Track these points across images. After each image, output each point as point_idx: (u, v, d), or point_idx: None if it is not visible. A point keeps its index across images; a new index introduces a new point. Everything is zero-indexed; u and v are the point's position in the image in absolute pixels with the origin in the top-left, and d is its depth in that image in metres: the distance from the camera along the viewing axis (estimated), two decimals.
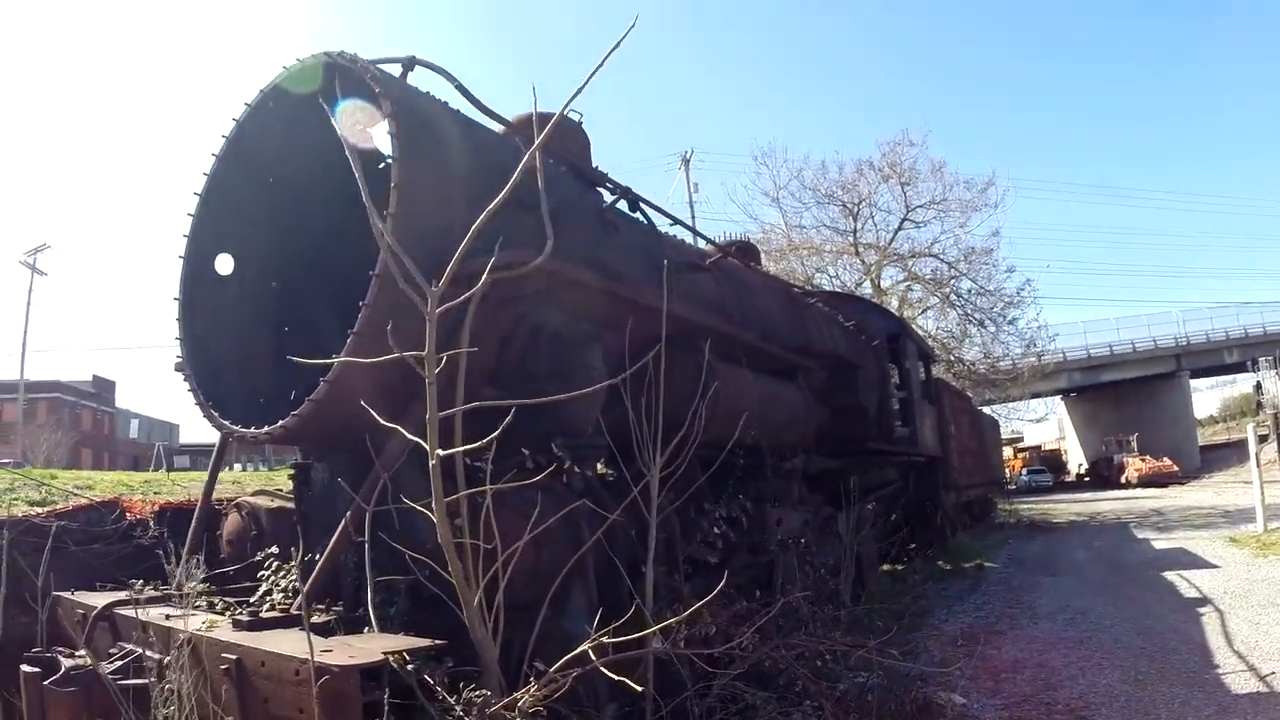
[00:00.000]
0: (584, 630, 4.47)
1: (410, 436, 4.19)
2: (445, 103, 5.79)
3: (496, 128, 6.45)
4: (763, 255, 31.89)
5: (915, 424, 14.31)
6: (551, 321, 5.82)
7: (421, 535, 4.54)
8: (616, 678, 4.15)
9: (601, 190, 7.29)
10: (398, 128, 4.84)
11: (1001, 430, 56.91)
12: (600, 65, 4.19)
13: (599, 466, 6.75)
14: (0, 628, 5.71)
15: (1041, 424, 69.81)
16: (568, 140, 7.58)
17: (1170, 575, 13.38)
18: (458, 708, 3.86)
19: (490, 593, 4.20)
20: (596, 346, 5.79)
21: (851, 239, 33.38)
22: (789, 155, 42.18)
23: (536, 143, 4.57)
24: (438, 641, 4.11)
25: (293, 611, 4.74)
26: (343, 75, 5.16)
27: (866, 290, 32.36)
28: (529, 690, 4.07)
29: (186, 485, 13.63)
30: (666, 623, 4.74)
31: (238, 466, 33.77)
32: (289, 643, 3.88)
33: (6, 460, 35.81)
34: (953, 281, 32.76)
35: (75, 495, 9.30)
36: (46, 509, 8.42)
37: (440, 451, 4.11)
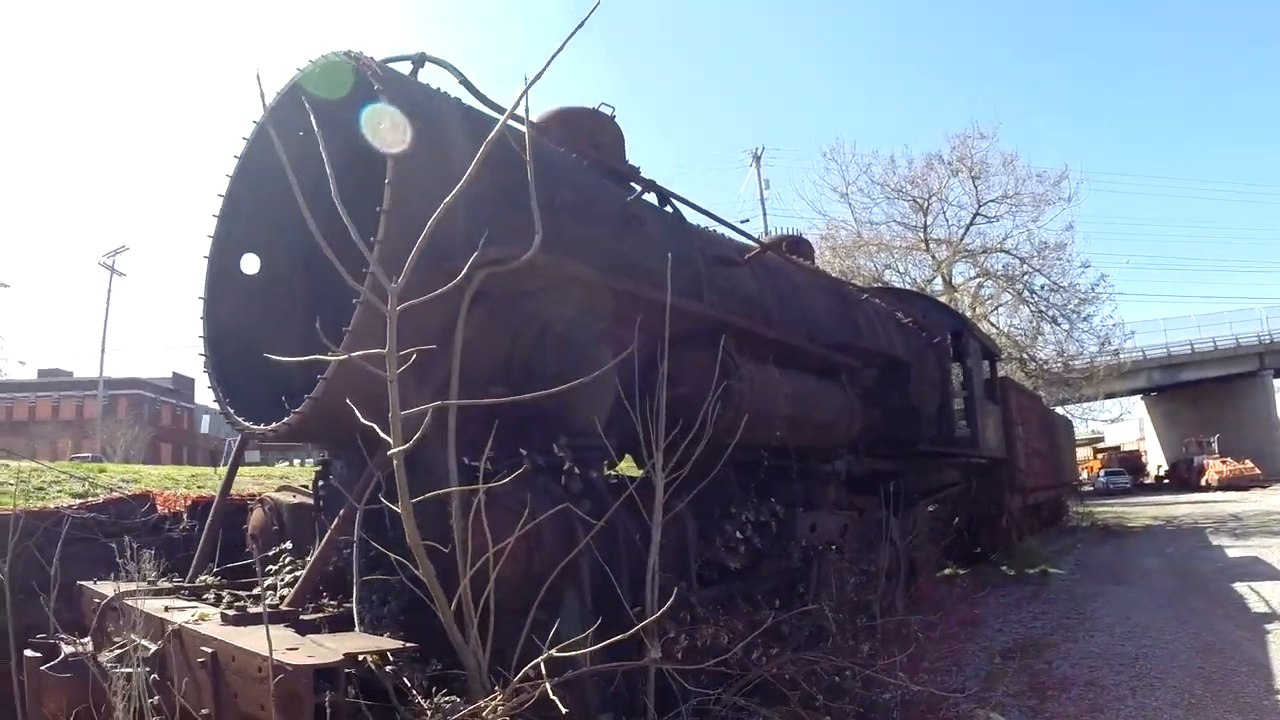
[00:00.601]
0: (577, 635, 4.33)
1: (384, 438, 4.06)
2: (459, 100, 5.67)
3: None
4: (830, 252, 32.04)
5: (977, 424, 13.91)
6: (562, 319, 5.70)
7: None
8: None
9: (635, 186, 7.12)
10: (391, 125, 4.80)
11: (1079, 430, 55.82)
12: (567, 40, 4.09)
13: (617, 468, 6.66)
14: (10, 617, 5.74)
15: (1122, 424, 68.30)
16: (598, 134, 7.51)
17: (1241, 586, 12.84)
18: (428, 713, 3.81)
19: (480, 594, 4.12)
20: (606, 345, 5.58)
21: (921, 234, 32.75)
22: (858, 151, 41.50)
23: (501, 123, 4.42)
24: (408, 644, 4.06)
25: (283, 608, 4.71)
26: (347, 73, 5.17)
27: (937, 286, 31.78)
28: (495, 699, 3.96)
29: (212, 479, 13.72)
30: (642, 622, 4.57)
31: (296, 461, 34.19)
32: (262, 639, 3.77)
33: (86, 455, 36.88)
34: (1025, 278, 31.98)
35: (114, 489, 9.37)
36: (79, 501, 8.50)
37: (398, 449, 4.00)
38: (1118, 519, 31.63)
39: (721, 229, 8.54)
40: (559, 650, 4.06)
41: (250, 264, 6.28)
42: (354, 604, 4.77)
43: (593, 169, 6.88)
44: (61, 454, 43.94)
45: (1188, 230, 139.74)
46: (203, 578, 6.07)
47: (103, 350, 53.83)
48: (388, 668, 3.96)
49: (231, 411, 5.65)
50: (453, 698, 4.00)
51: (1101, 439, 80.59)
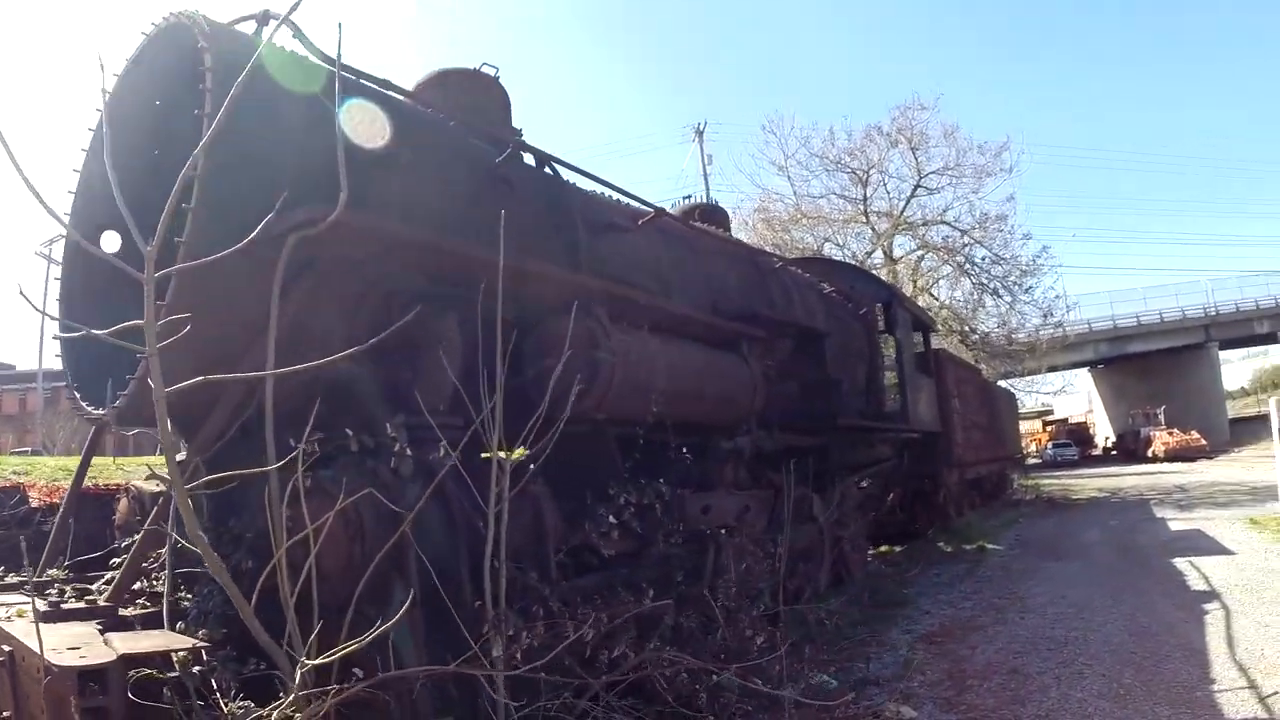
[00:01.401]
0: (404, 634, 4.09)
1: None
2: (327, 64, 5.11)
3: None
4: (764, 224, 31.55)
5: (907, 397, 13.37)
6: (407, 289, 5.14)
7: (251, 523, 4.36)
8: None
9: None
10: (213, 83, 4.42)
11: (1028, 404, 55.85)
12: None
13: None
14: None
15: (1070, 397, 68.59)
16: (479, 96, 6.98)
17: (1181, 562, 12.32)
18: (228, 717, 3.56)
19: (305, 588, 3.78)
20: (452, 315, 5.03)
21: (861, 207, 32.26)
22: (798, 123, 41.05)
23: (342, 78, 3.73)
24: (200, 644, 3.73)
25: (101, 603, 4.47)
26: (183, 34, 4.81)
27: (878, 259, 31.39)
28: (280, 706, 3.61)
29: (131, 471, 12.87)
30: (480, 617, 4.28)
31: None
32: (60, 637, 3.65)
33: (25, 449, 35.91)
34: (966, 249, 31.64)
35: None
36: None
37: (164, 431, 3.63)
38: (1063, 491, 31.46)
39: (625, 199, 7.87)
40: (382, 649, 3.86)
41: (110, 242, 5.71)
42: (164, 599, 4.45)
43: (460, 130, 6.30)
44: (2, 449, 42.73)
45: (1134, 203, 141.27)
46: (51, 572, 5.58)
47: (41, 342, 51.98)
48: (195, 668, 3.61)
49: (77, 396, 5.33)
50: (247, 702, 3.69)
51: (1050, 412, 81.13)
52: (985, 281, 31.89)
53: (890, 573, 13.19)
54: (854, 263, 29.88)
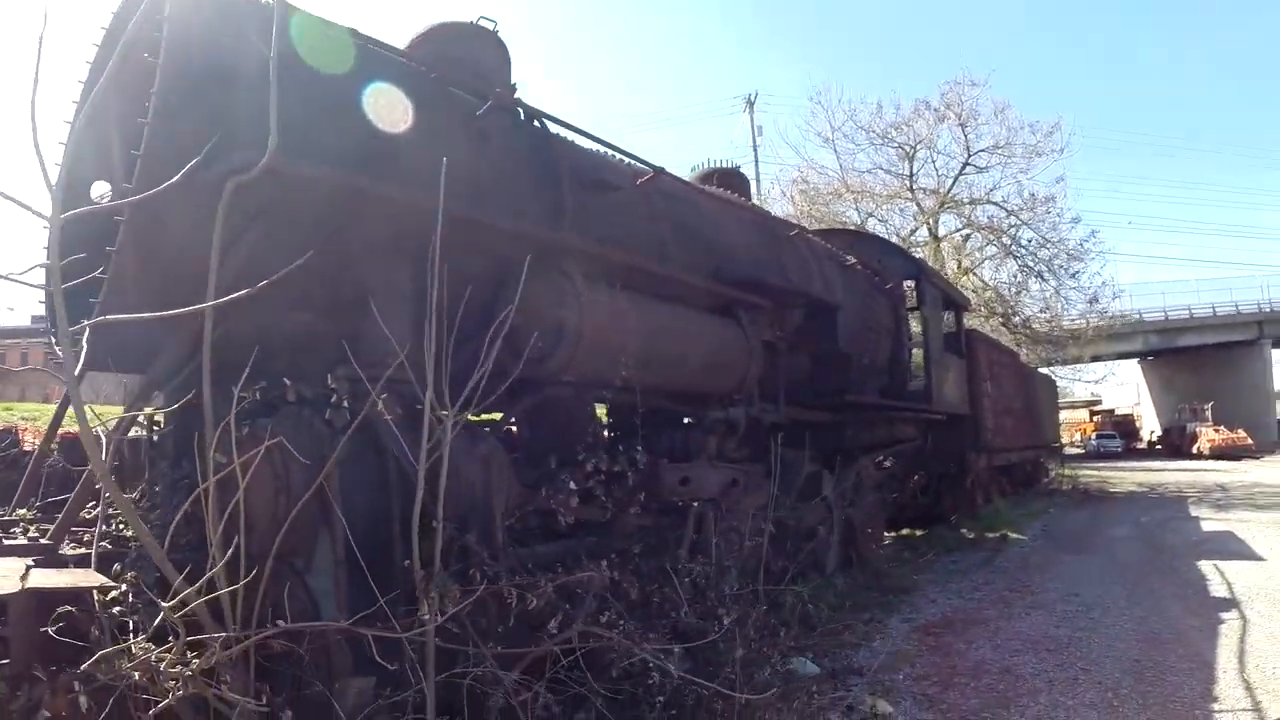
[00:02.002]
0: (327, 589, 4.15)
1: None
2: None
3: None
4: (801, 196, 30.90)
5: (932, 377, 12.87)
6: (362, 239, 4.93)
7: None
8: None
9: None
10: (169, 32, 4.24)
11: (1077, 392, 54.48)
12: None
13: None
14: None
15: (1122, 388, 67.31)
16: (477, 50, 6.60)
17: (1207, 565, 11.77)
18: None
19: (233, 538, 3.65)
20: (404, 265, 4.84)
21: (907, 182, 31.49)
22: (845, 96, 40.24)
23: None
24: (107, 582, 3.72)
25: (43, 541, 4.36)
26: None
27: (922, 236, 30.67)
28: (170, 648, 3.50)
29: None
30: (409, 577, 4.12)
31: None
32: None
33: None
34: (1012, 230, 30.79)
35: None
36: None
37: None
38: (1101, 483, 30.75)
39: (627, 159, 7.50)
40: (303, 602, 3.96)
41: (99, 191, 5.56)
42: (95, 541, 4.28)
43: (436, 81, 5.94)
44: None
45: (1192, 193, 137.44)
46: (20, 511, 5.37)
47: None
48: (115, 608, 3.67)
49: (52, 343, 5.12)
50: (146, 644, 3.58)
51: (1099, 401, 79.80)
52: (1031, 264, 31.12)
53: (907, 557, 12.80)
54: (896, 240, 29.33)
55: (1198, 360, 63.96)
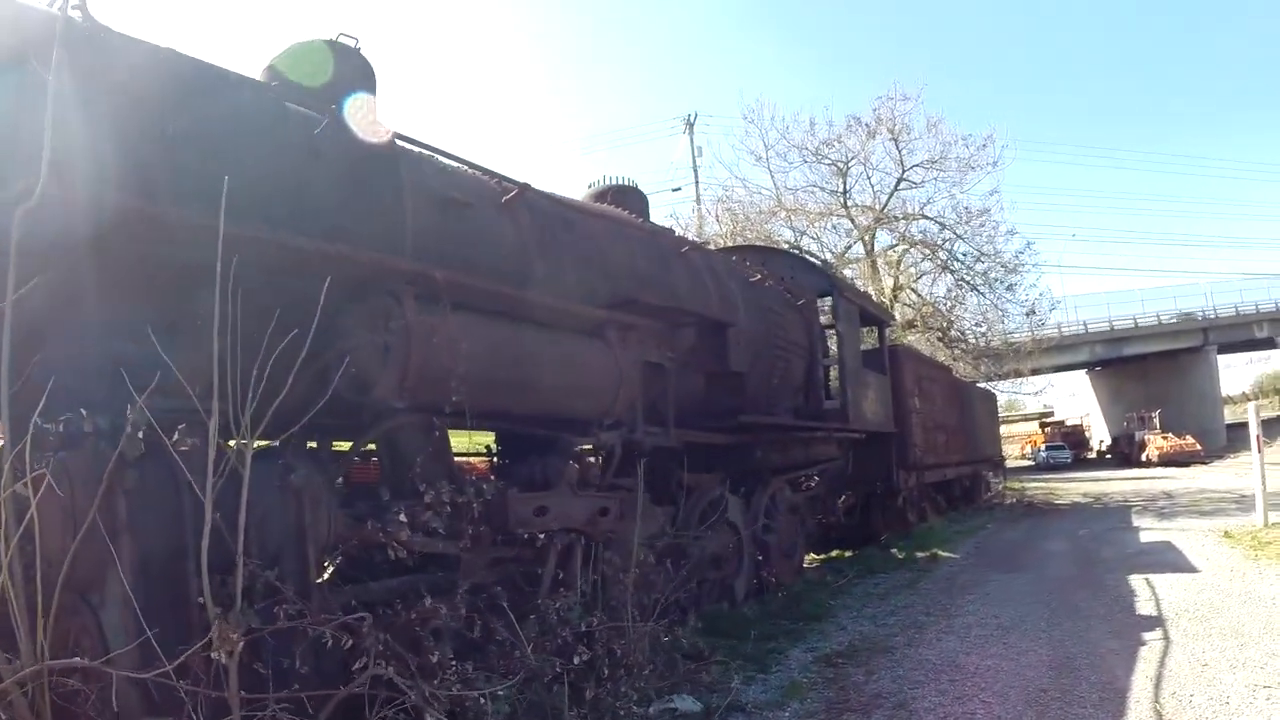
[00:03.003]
0: (118, 626, 3.96)
1: None
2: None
3: None
4: (729, 215, 30.62)
5: (847, 395, 12.44)
6: (161, 264, 4.67)
7: None
8: None
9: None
10: None
11: (1032, 406, 54.21)
12: None
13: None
14: None
15: (1076, 399, 67.39)
16: (341, 66, 6.28)
17: (1139, 580, 11.34)
18: None
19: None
20: (211, 293, 4.33)
21: (841, 199, 31.26)
22: (778, 114, 40.14)
23: None
24: None
25: None
26: None
27: (858, 253, 30.46)
28: None
29: None
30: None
31: None
32: None
33: None
34: (947, 244, 30.64)
35: None
36: None
37: None
38: (1048, 495, 30.62)
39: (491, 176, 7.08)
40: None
41: None
42: None
43: (268, 99, 5.61)
44: None
45: (1133, 203, 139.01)
46: None
47: None
48: None
49: None
50: None
51: (1051, 413, 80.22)
52: (968, 279, 30.97)
53: (830, 581, 12.32)
54: (830, 258, 29.09)
55: (1145, 369, 64.38)
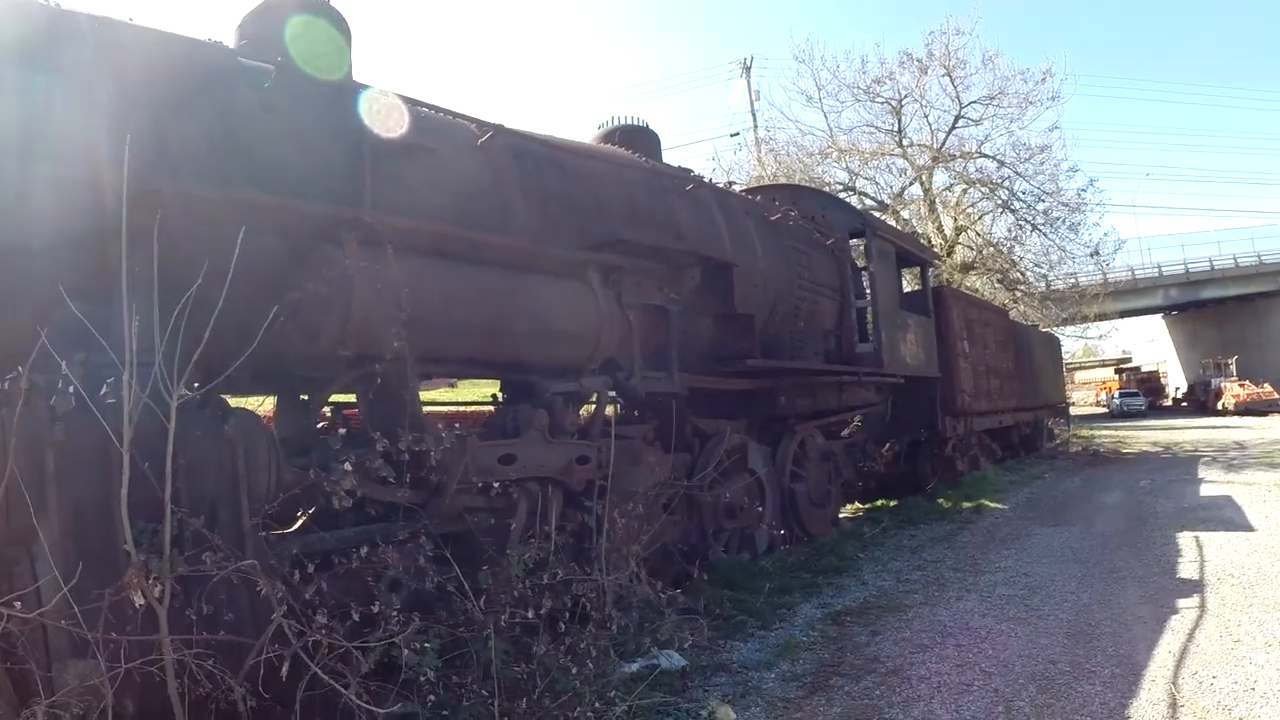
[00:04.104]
0: (47, 573, 3.96)
1: None
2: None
3: None
4: (772, 158, 29.84)
5: (881, 337, 11.88)
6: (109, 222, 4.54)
7: None
8: None
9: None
10: None
11: (1109, 351, 52.13)
12: None
13: None
14: None
15: (1152, 344, 65.52)
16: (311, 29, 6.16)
17: (1188, 538, 10.66)
18: None
19: None
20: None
21: (896, 138, 30.26)
22: (829, 52, 39.10)
23: None
24: None
25: None
26: None
27: (915, 194, 29.52)
28: None
29: None
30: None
31: None
32: None
33: None
34: (1006, 183, 29.49)
35: None
36: None
37: None
38: (1117, 444, 29.61)
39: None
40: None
41: None
42: None
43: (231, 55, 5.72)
44: None
45: (1207, 141, 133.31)
46: None
47: None
48: None
49: None
50: None
51: (1128, 360, 78.28)
52: (1028, 218, 29.84)
53: (865, 532, 11.84)
54: (883, 199, 28.25)
55: (1221, 314, 62.10)
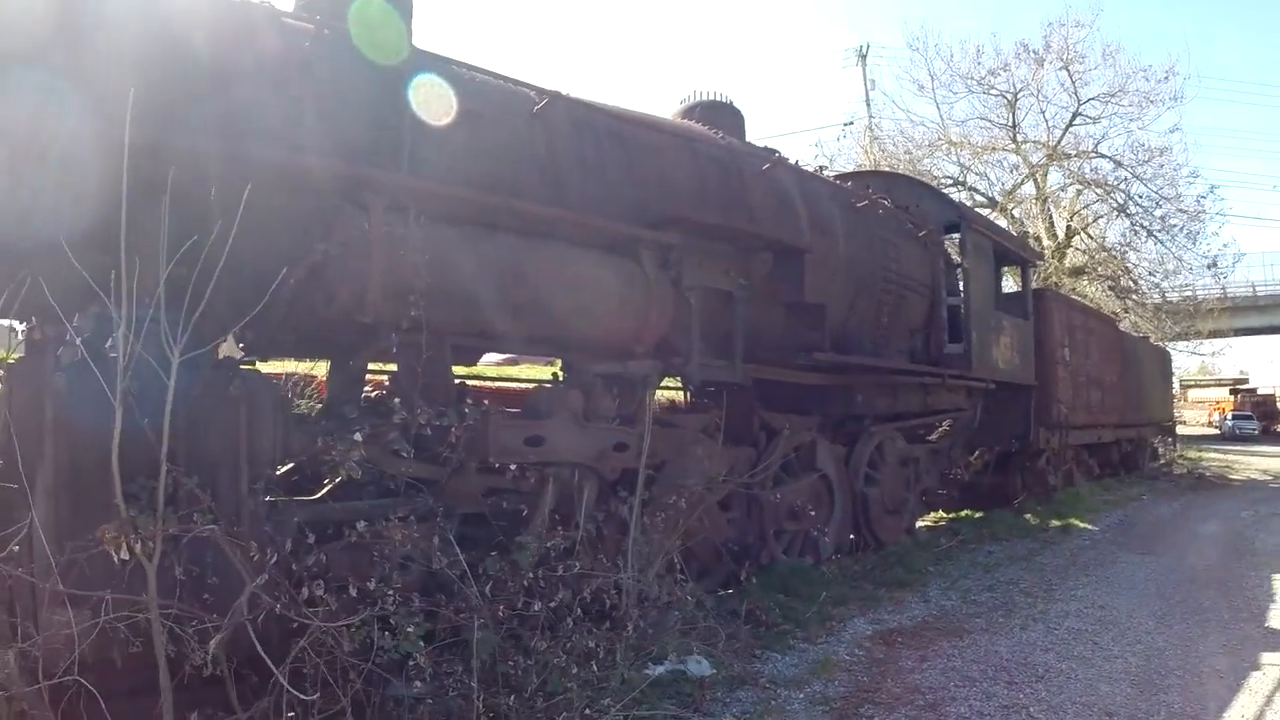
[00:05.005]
0: (43, 522, 3.97)
1: None
2: None
3: None
4: (877, 146, 28.92)
5: (972, 339, 11.25)
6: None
7: None
8: None
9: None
10: None
11: (1226, 370, 49.47)
12: None
13: None
14: None
15: (1273, 365, 62.77)
16: None
17: None
18: None
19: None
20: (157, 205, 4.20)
21: (1009, 132, 29.11)
22: (945, 41, 37.95)
23: None
24: None
25: None
26: None
27: (1028, 191, 28.44)
28: None
29: None
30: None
31: None
32: None
33: None
34: (1123, 185, 28.20)
35: None
36: None
37: None
38: (1224, 468, 28.25)
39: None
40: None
41: None
42: None
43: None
44: None
45: None
46: None
47: None
48: None
49: None
50: None
51: (1246, 380, 75.22)
52: (1144, 223, 28.53)
53: (942, 543, 11.32)
54: (994, 195, 27.27)
55: None
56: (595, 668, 4.95)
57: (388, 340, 5.18)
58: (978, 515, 14.18)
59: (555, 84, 6.61)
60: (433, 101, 5.72)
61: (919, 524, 12.39)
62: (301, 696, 3.91)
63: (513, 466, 5.50)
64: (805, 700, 5.48)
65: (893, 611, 7.85)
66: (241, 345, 5.72)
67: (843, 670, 6.11)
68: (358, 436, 4.81)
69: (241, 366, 5.16)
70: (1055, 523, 13.86)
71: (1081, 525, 13.93)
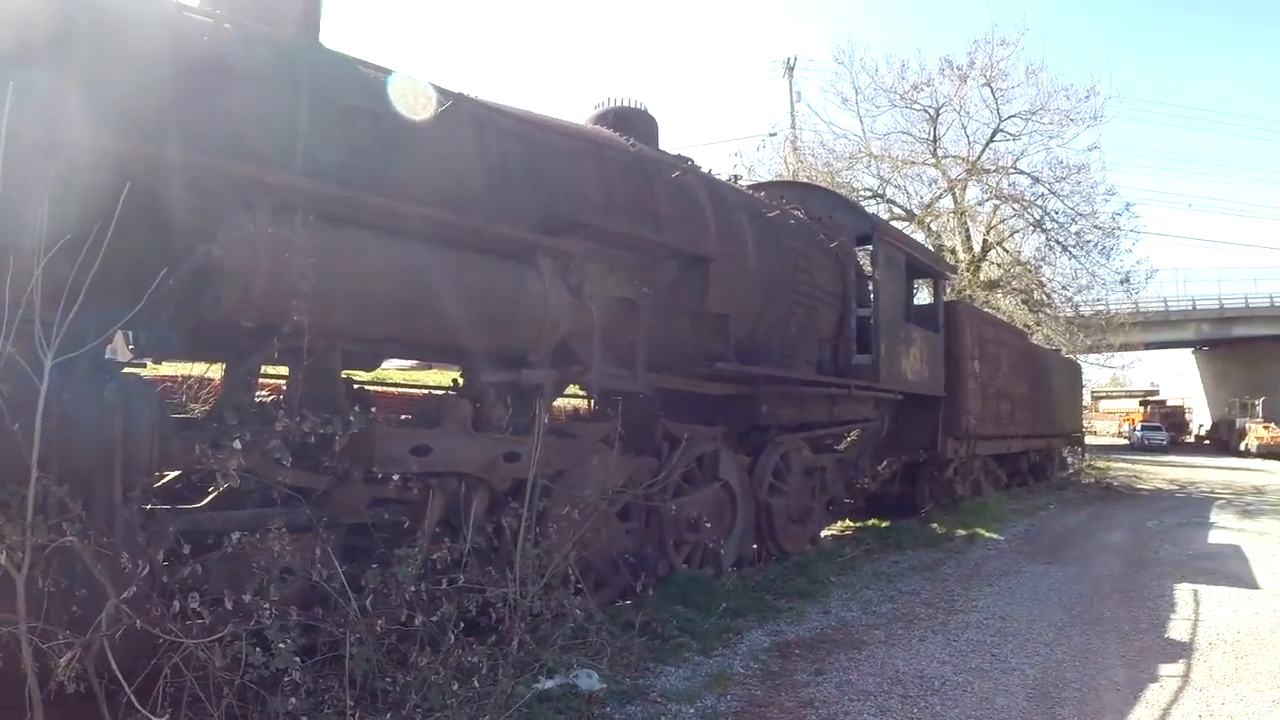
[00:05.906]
0: None
1: None
2: None
3: None
4: (793, 155, 29.15)
5: (881, 350, 11.28)
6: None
7: None
8: None
9: None
10: None
11: (1138, 383, 50.33)
12: None
13: None
14: None
15: (1181, 378, 64.47)
16: None
17: (1185, 591, 9.99)
18: None
19: None
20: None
21: (930, 147, 29.52)
22: (870, 56, 38.41)
23: None
24: None
25: None
26: None
27: (946, 205, 28.81)
28: None
29: None
30: None
31: None
32: None
33: None
34: (1040, 201, 28.75)
35: None
36: None
37: None
38: (1131, 478, 28.86)
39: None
40: None
41: None
42: None
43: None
44: None
45: (1252, 174, 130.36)
46: None
47: None
48: None
49: None
50: None
51: (1156, 392, 77.14)
52: (1059, 238, 29.16)
53: (847, 552, 11.26)
54: (912, 208, 27.59)
55: (1253, 353, 60.46)
56: (477, 683, 4.80)
57: (271, 344, 5.00)
58: (884, 525, 14.24)
59: (474, 88, 6.51)
60: (332, 101, 5.56)
61: (825, 533, 12.42)
62: (150, 717, 3.72)
63: (395, 476, 5.33)
64: (696, 715, 5.40)
65: (792, 623, 7.80)
66: (131, 347, 5.51)
67: (737, 684, 6.04)
68: (237, 444, 4.66)
69: (127, 369, 5.04)
70: (961, 532, 13.97)
71: (987, 535, 14.05)
